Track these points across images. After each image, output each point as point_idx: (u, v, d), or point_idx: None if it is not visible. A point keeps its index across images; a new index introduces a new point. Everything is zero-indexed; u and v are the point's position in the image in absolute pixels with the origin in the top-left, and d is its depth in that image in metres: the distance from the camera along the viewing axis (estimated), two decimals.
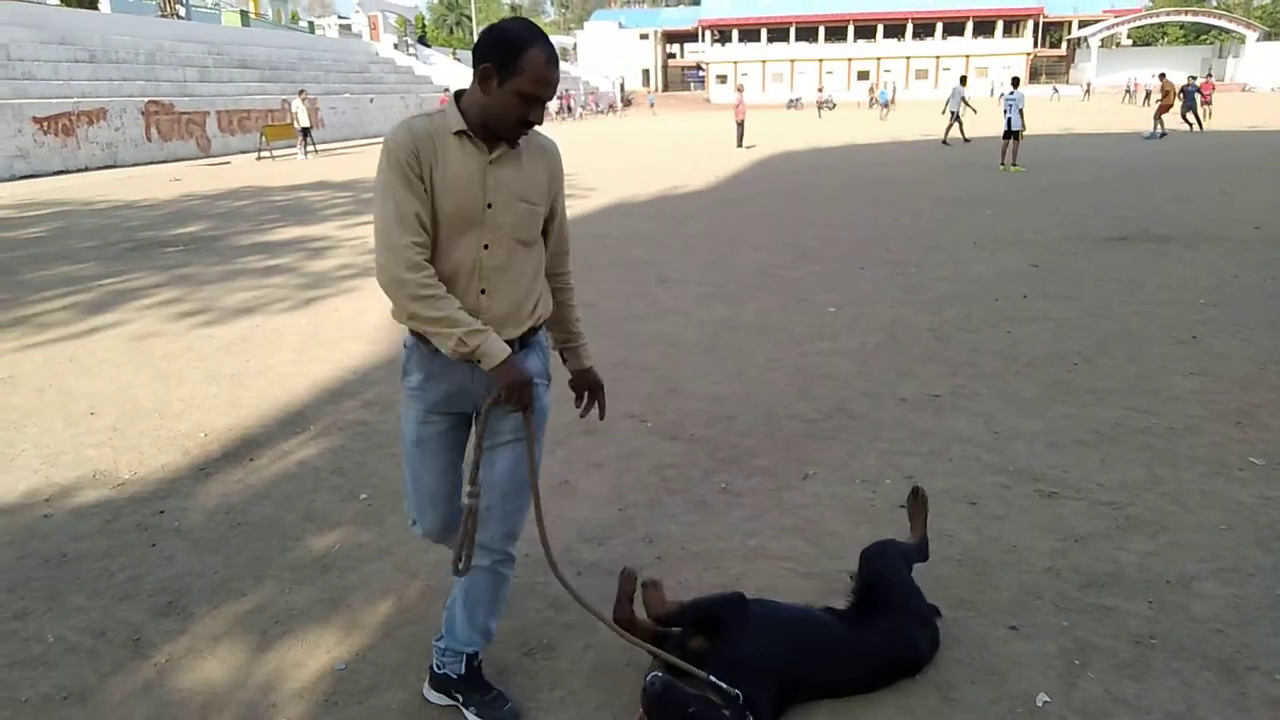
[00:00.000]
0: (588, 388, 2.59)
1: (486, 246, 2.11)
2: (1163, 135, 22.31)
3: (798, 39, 75.70)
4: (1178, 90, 23.76)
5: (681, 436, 4.26)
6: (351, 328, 6.43)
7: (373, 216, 2.02)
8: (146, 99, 24.65)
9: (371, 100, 36.52)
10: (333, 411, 4.71)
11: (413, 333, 2.19)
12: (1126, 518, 3.31)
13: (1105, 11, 75.63)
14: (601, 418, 2.64)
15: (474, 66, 2.02)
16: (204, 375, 5.37)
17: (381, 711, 2.38)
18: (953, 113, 22.48)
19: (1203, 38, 77.75)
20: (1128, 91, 54.98)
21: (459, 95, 2.10)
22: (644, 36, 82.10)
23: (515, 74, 1.96)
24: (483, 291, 2.13)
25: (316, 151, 26.35)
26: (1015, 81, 17.23)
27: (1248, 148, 19.33)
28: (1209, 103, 27.70)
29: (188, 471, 3.99)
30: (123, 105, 23.62)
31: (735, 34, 76.19)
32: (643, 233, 10.57)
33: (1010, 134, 16.10)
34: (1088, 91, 61.77)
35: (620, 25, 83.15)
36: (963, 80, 23.48)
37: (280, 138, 26.21)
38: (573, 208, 12.83)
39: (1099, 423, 4.22)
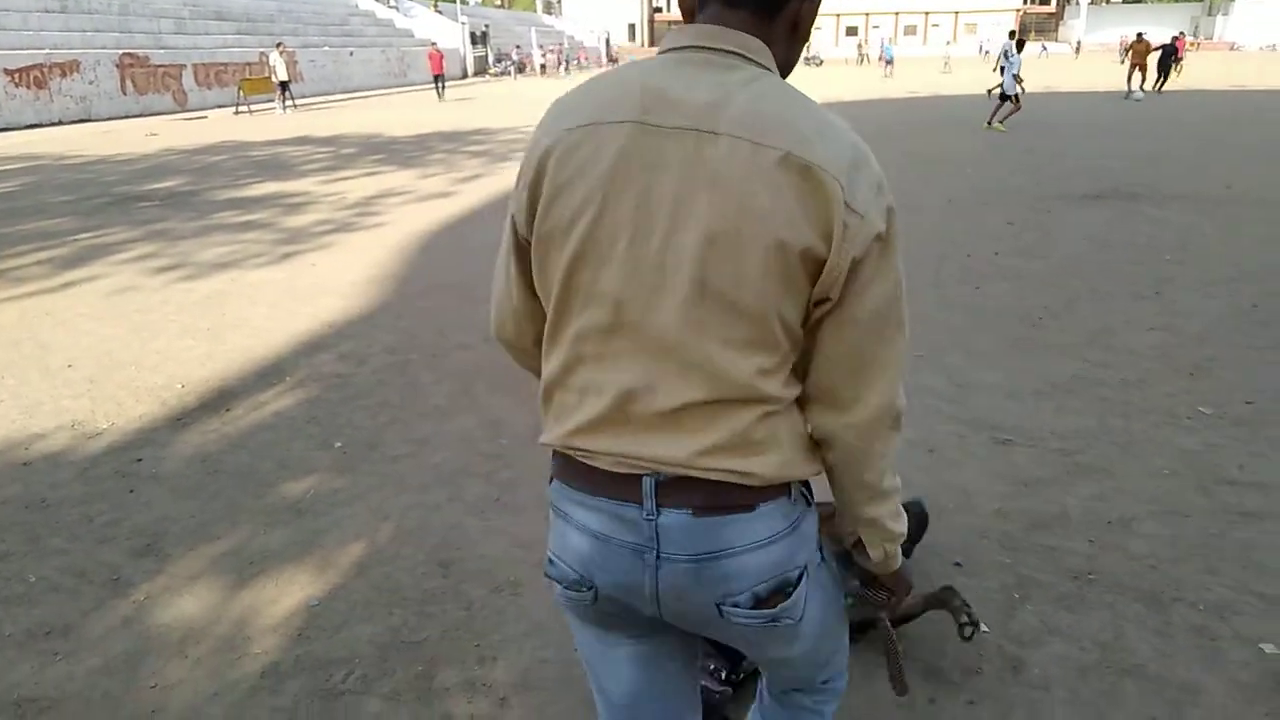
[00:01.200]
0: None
1: None
2: (1141, 97, 22.09)
3: None
4: (1154, 48, 23.14)
5: None
6: (328, 283, 6.46)
7: (894, 313, 1.18)
8: (121, 51, 24.22)
9: (351, 54, 35.96)
10: (308, 364, 4.77)
11: None
12: (1075, 464, 3.44)
13: None
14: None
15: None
16: (180, 329, 5.41)
17: (352, 643, 2.49)
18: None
19: None
20: (1125, 50, 54.47)
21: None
22: None
23: None
24: None
25: (295, 106, 26.02)
26: (1020, 44, 16.34)
27: (1227, 107, 19.39)
28: (1180, 60, 27.40)
29: (165, 422, 4.06)
30: (96, 57, 23.20)
31: None
32: None
33: (1004, 96, 15.68)
34: (1077, 49, 61.48)
35: None
36: (1012, 35, 19.61)
37: (258, 92, 25.85)
38: None
39: (1057, 375, 4.34)
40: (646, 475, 1.14)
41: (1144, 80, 22.59)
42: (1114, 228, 7.71)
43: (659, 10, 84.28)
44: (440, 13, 49.54)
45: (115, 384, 4.52)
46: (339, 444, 3.78)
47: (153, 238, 8.09)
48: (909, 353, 1.17)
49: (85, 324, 5.53)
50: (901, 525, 1.28)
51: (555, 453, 1.24)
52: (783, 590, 1.18)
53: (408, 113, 23.71)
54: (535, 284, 1.22)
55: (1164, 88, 23.86)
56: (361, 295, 6.10)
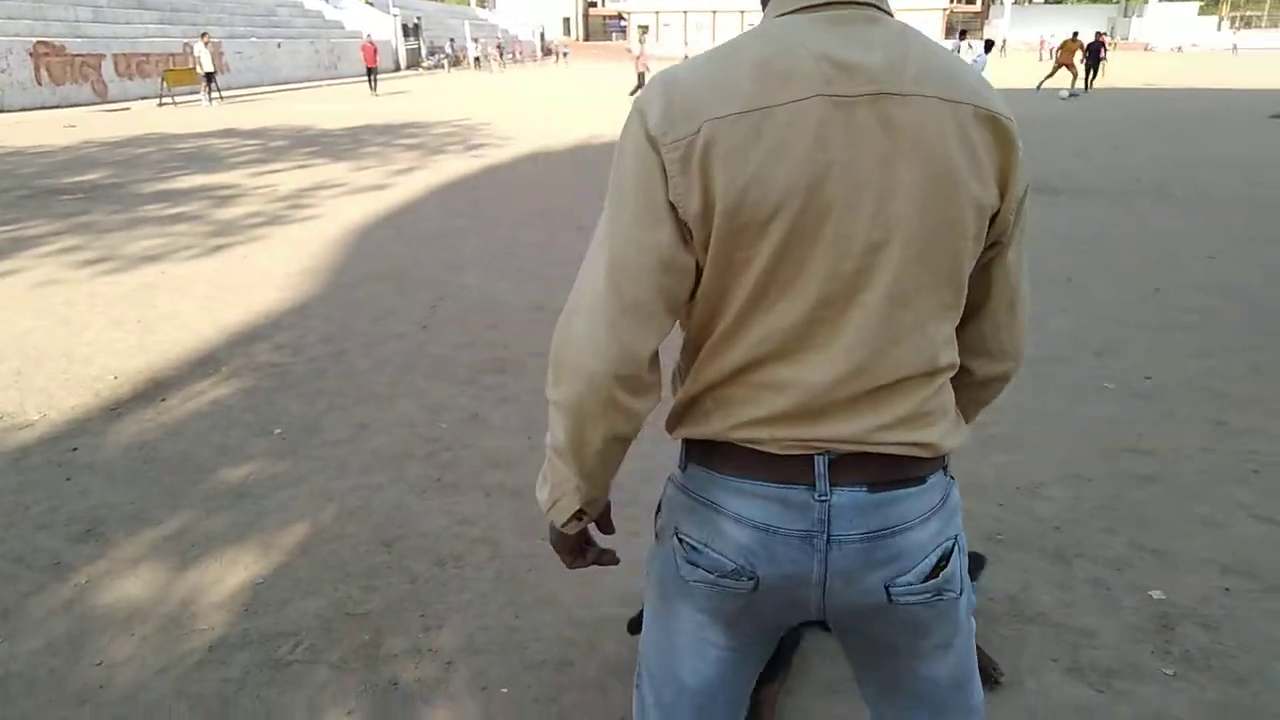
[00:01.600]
0: None
1: None
2: (1069, 95, 22.54)
3: None
4: (1085, 47, 23.63)
5: None
6: (262, 275, 6.41)
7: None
8: (35, 39, 23.33)
9: (279, 45, 35.19)
10: (244, 354, 4.76)
11: None
12: (990, 436, 3.65)
13: None
14: None
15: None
16: (109, 321, 5.33)
17: (298, 617, 2.55)
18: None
19: None
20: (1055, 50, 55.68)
21: None
22: None
23: None
24: None
25: (222, 98, 25.39)
26: (988, 45, 16.03)
27: (1141, 106, 20.24)
28: (1103, 59, 28.34)
29: (99, 412, 4.03)
30: (8, 45, 22.32)
31: None
32: (559, 182, 10.63)
33: None
34: (1003, 48, 63.16)
35: None
36: (962, 35, 23.24)
37: (183, 83, 25.14)
38: (489, 157, 12.81)
39: None
40: (818, 455, 1.08)
41: (1074, 79, 23.10)
42: (1035, 220, 8.01)
43: (593, 4, 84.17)
44: (371, 4, 48.72)
45: (45, 375, 4.45)
46: (278, 430, 3.80)
47: (77, 231, 7.90)
48: None
49: (8, 316, 5.41)
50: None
51: (692, 441, 1.17)
52: (942, 562, 1.14)
53: (339, 105, 23.34)
54: (702, 290, 1.09)
55: (1092, 85, 24.49)
56: (295, 286, 6.08)
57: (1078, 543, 2.89)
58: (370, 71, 28.63)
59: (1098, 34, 25.91)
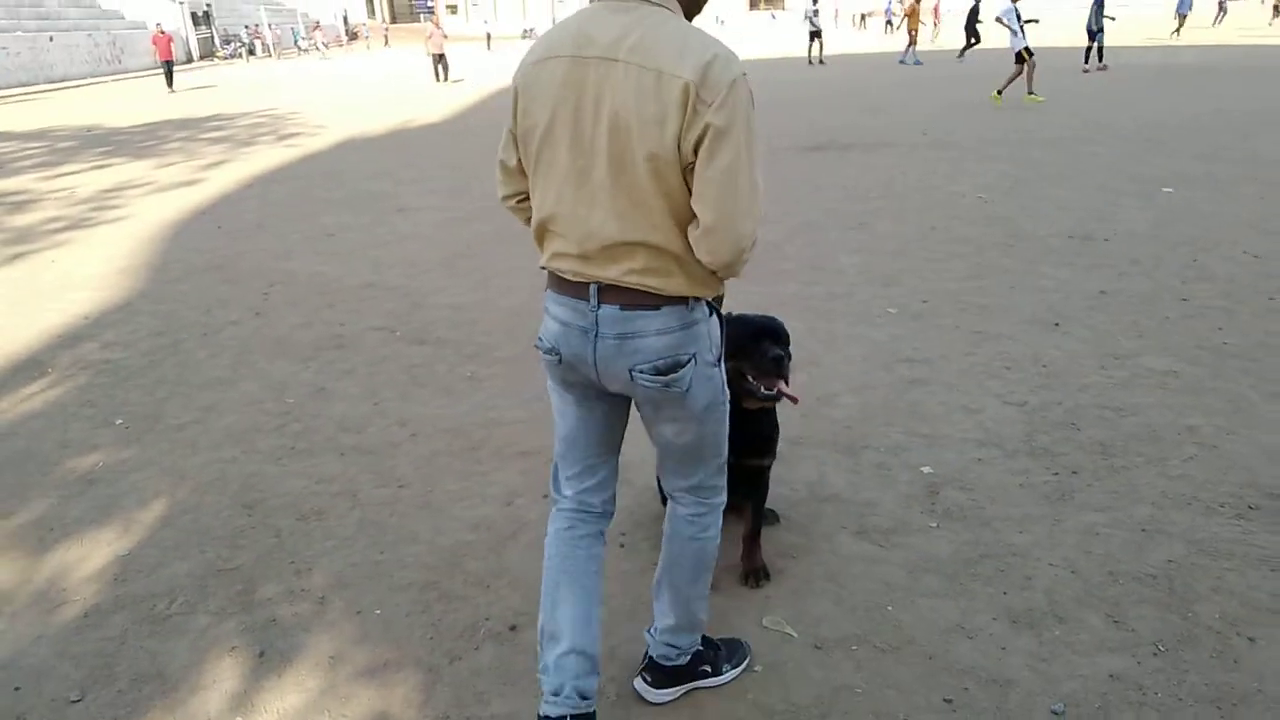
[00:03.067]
0: None
1: None
2: (918, 62, 21.87)
3: None
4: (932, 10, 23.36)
5: (429, 341, 4.68)
6: (74, 277, 6.19)
7: (742, 168, 1.59)
8: None
9: (51, 39, 32.42)
10: (70, 355, 4.67)
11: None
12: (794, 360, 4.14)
13: None
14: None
15: None
16: None
17: (170, 579, 2.69)
18: (811, 32, 23.10)
19: None
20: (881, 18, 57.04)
21: None
22: None
23: None
24: None
25: None
26: None
27: (941, 65, 21.89)
28: (939, 24, 29.27)
29: None
30: None
31: None
32: (378, 167, 10.59)
33: (1020, 58, 13.58)
34: (807, 19, 65.75)
35: None
36: None
37: None
38: (302, 146, 12.52)
39: (780, 295, 5.09)
40: (591, 284, 1.73)
41: (912, 44, 22.80)
42: (829, 173, 8.78)
43: None
44: None
45: None
46: (119, 421, 3.83)
47: None
48: (761, 198, 1.65)
49: None
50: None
51: (548, 271, 1.83)
52: (675, 368, 1.75)
53: (130, 103, 21.91)
54: (520, 163, 1.82)
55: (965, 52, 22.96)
56: (114, 286, 5.92)
57: (864, 437, 3.41)
58: (166, 65, 25.91)
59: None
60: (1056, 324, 4.46)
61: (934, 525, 2.82)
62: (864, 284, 5.26)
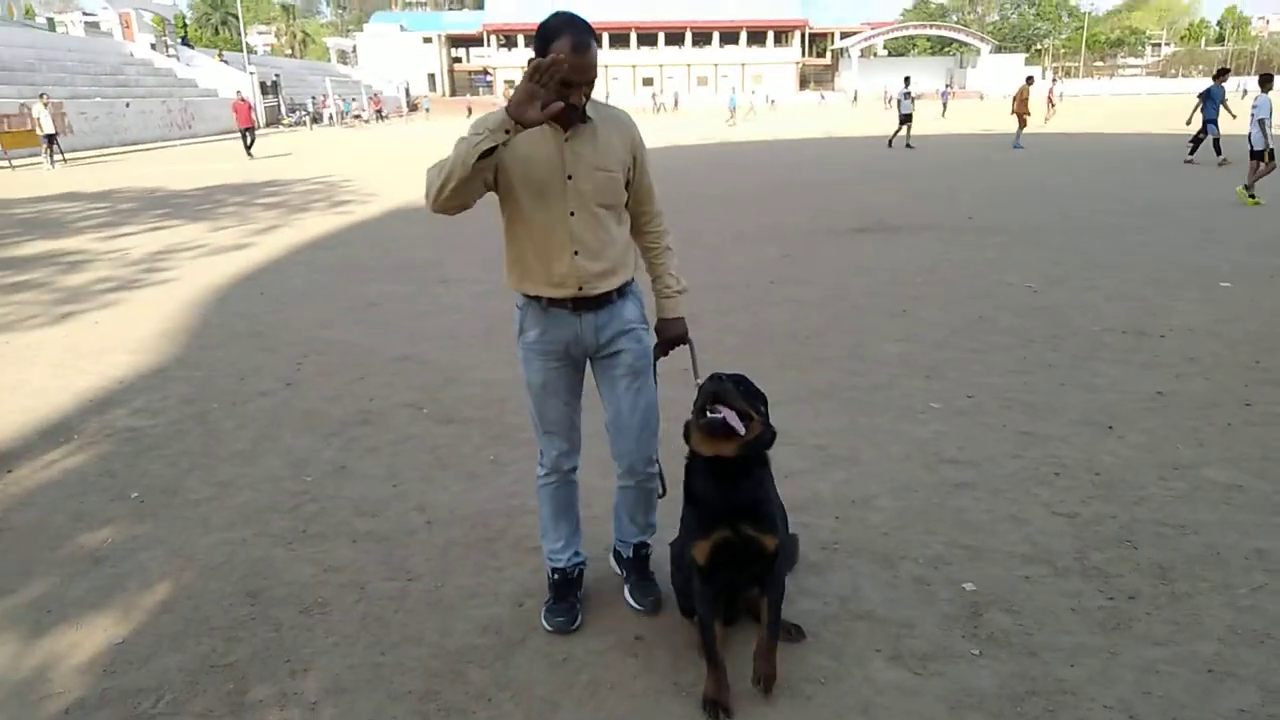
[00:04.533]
0: (669, 339, 2.73)
1: (573, 214, 2.44)
2: (1018, 146, 20.87)
3: None
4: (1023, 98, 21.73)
5: (456, 419, 4.58)
6: (115, 340, 6.25)
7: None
8: None
9: (128, 105, 33.94)
10: (98, 421, 4.65)
11: (524, 295, 2.60)
12: (829, 456, 3.97)
13: (863, 24, 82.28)
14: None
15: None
16: None
17: (160, 672, 2.56)
18: (901, 115, 22.17)
19: (946, 49, 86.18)
20: (888, 100, 57.46)
21: None
22: (427, 40, 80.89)
23: None
24: (576, 254, 2.47)
25: (65, 161, 24.29)
26: (1266, 81, 12.76)
27: (978, 148, 21.87)
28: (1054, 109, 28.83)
29: None
30: None
31: (520, 39, 76.57)
32: (424, 236, 10.71)
33: (1257, 154, 11.75)
34: (855, 98, 66.79)
35: (402, 28, 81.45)
36: (906, 80, 22.74)
37: (21, 145, 23.99)
38: (353, 214, 12.77)
39: (818, 383, 4.93)
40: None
41: (1021, 128, 21.60)
42: (875, 256, 8.66)
43: (458, 60, 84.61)
44: (225, 62, 47.63)
45: None
46: (135, 494, 3.76)
47: None
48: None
49: None
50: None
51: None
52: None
53: (199, 166, 22.69)
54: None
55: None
56: (152, 350, 5.96)
57: (903, 546, 3.20)
58: (246, 132, 25.54)
59: (945, 86, 24.85)
60: (1110, 427, 4.23)
61: (976, 652, 2.59)
62: (905, 375, 5.08)
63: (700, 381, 2.41)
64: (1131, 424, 4.26)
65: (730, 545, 2.34)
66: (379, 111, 52.30)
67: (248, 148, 25.23)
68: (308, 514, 3.55)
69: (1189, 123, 16.75)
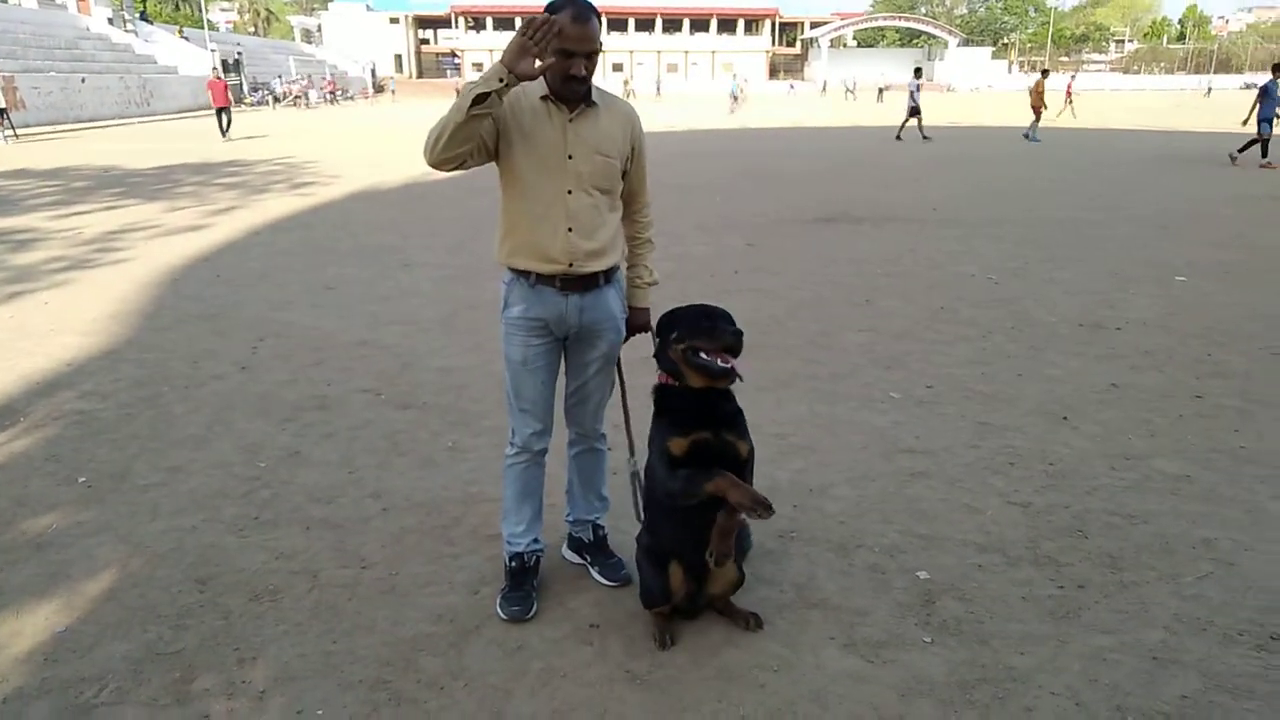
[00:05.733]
0: (634, 327, 2.85)
1: (570, 192, 2.51)
2: (1036, 139, 21.09)
3: None
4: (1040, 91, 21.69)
5: (414, 405, 4.52)
6: (64, 320, 6.10)
7: None
8: None
9: (83, 80, 33.08)
10: (45, 404, 4.54)
11: (511, 269, 2.62)
12: (788, 445, 3.98)
13: (833, 14, 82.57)
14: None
15: None
16: None
17: (104, 660, 2.50)
18: (911, 107, 22.00)
19: (915, 41, 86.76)
20: (848, 90, 57.63)
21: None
22: (394, 20, 79.76)
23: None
24: (570, 229, 2.53)
25: (17, 136, 23.66)
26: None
27: (945, 141, 22.03)
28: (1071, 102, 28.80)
29: None
30: None
31: (489, 21, 75.81)
32: (388, 219, 10.58)
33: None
34: (824, 88, 66.89)
35: (368, 8, 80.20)
36: (917, 72, 22.89)
37: None
38: (315, 195, 12.57)
39: (780, 373, 4.94)
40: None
41: (1037, 120, 21.68)
42: (839, 246, 8.69)
43: (425, 42, 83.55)
44: (186, 38, 46.60)
45: None
46: (83, 479, 3.67)
47: None
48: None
49: None
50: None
51: None
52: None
53: (157, 144, 22.20)
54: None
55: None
56: (103, 332, 5.82)
57: (859, 534, 3.22)
58: (221, 112, 24.04)
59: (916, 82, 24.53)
60: (1065, 418, 4.29)
61: (928, 640, 2.61)
62: (867, 364, 5.11)
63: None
64: (1086, 415, 4.32)
65: (709, 446, 2.43)
66: (332, 93, 50.99)
67: (223, 129, 23.92)
68: (260, 500, 3.49)
69: (1245, 123, 15.85)
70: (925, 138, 21.89)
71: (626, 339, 2.85)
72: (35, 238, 9.33)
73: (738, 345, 2.41)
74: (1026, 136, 21.69)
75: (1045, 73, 23.11)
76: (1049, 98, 22.24)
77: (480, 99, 2.24)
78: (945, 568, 3.00)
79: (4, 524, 3.29)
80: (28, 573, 2.97)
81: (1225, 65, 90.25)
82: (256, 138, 24.11)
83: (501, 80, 2.24)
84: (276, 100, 45.71)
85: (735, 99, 40.50)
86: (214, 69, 28.97)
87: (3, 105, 22.72)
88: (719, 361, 2.38)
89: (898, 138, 22.05)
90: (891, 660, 2.53)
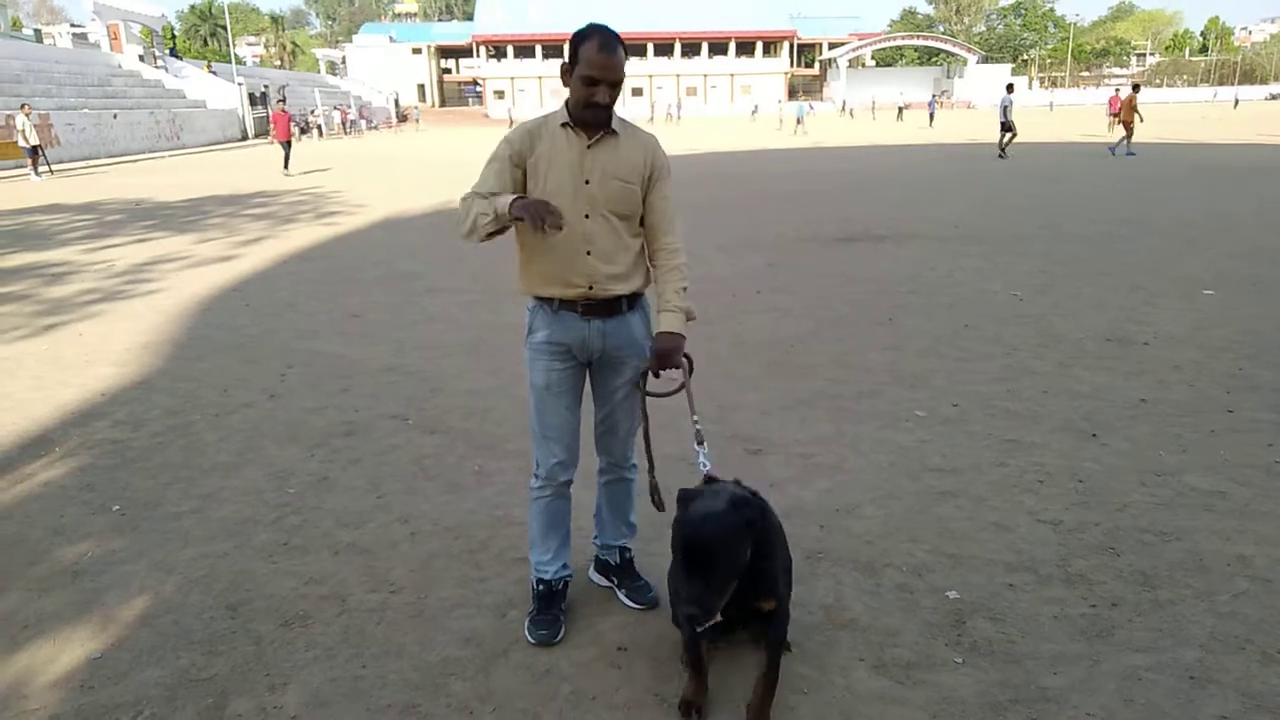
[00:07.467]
0: (659, 351, 2.63)
1: (587, 216, 2.57)
2: (1130, 153, 20.72)
3: None
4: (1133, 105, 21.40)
5: (441, 430, 4.56)
6: (98, 352, 6.21)
7: None
8: None
9: (115, 116, 33.80)
10: (80, 433, 4.62)
11: (535, 297, 2.70)
12: (814, 464, 3.97)
13: (851, 35, 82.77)
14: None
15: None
16: None
17: (138, 687, 2.54)
18: (1002, 123, 21.60)
19: (934, 60, 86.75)
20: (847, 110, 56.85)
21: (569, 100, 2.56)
22: (417, 51, 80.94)
23: (577, 63, 2.45)
24: (588, 253, 2.59)
25: (52, 172, 24.18)
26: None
27: (968, 158, 21.98)
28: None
29: None
30: None
31: (510, 50, 76.72)
32: (412, 247, 10.69)
33: None
34: (844, 108, 66.86)
35: (391, 39, 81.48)
36: (1009, 88, 22.29)
37: (6, 157, 23.84)
38: (340, 225, 12.74)
39: (803, 392, 4.93)
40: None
41: (1129, 136, 21.35)
42: (860, 265, 8.68)
43: (448, 71, 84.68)
44: (214, 73, 47.54)
45: None
46: (116, 507, 3.73)
47: None
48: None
49: None
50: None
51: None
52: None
53: (188, 177, 22.60)
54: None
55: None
56: (136, 362, 5.92)
57: (886, 554, 3.20)
58: (284, 145, 23.35)
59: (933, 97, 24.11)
60: (1094, 434, 4.25)
61: (959, 660, 2.59)
62: (891, 383, 5.09)
63: (697, 421, 2.56)
64: (1115, 432, 4.28)
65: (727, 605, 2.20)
66: (345, 123, 51.42)
67: (286, 163, 22.89)
68: (289, 526, 3.53)
69: None
70: (1001, 155, 21.40)
71: (656, 367, 2.64)
72: (69, 270, 9.52)
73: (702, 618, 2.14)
74: (1112, 152, 21.09)
75: (1136, 87, 22.32)
76: (1135, 113, 21.51)
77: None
78: (975, 587, 2.97)
79: (41, 552, 3.35)
80: (63, 600, 3.02)
81: (1249, 76, 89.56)
82: (314, 171, 23.98)
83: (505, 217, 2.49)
84: (304, 132, 46.43)
85: (800, 122, 42.21)
86: (279, 101, 26.75)
87: (37, 143, 23.22)
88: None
89: (1001, 155, 21.38)
90: (922, 681, 2.51)
